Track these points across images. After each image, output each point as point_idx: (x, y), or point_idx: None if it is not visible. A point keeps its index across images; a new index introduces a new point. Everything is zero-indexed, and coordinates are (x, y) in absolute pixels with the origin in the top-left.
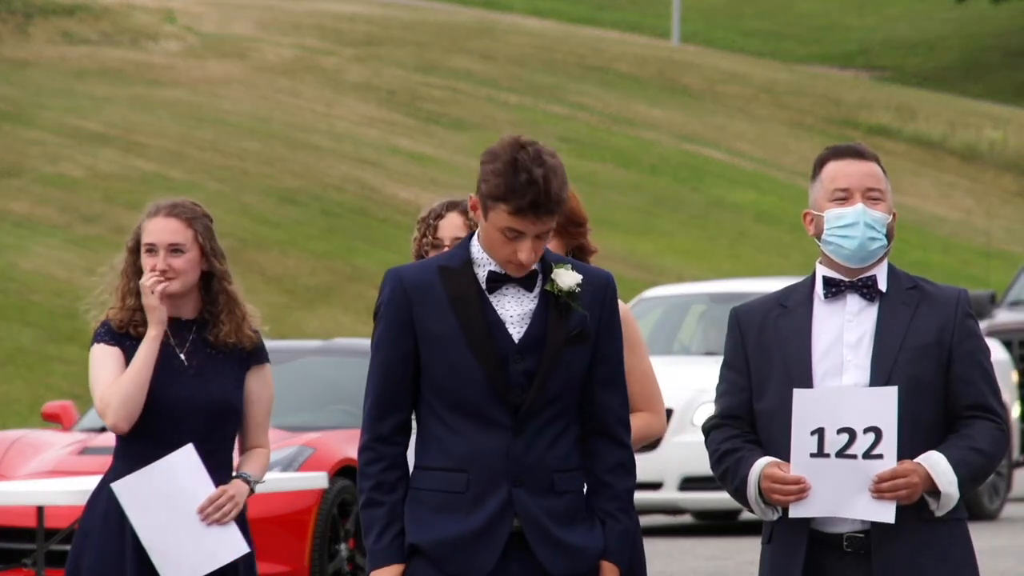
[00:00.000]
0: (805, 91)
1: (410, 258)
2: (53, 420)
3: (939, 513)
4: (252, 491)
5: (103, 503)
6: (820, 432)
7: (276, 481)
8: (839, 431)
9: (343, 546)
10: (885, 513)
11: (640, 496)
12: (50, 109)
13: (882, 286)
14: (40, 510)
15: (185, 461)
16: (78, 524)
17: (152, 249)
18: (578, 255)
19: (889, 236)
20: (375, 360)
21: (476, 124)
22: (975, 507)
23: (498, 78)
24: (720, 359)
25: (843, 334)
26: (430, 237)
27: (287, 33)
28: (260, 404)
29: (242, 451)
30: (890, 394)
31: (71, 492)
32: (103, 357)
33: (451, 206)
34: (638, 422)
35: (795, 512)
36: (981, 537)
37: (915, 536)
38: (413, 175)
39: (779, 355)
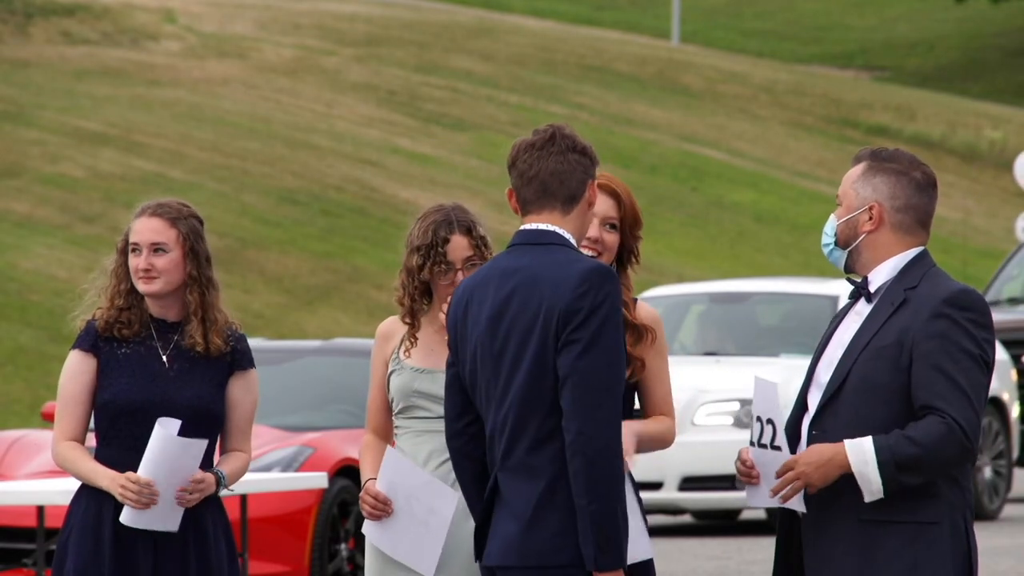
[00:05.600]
0: (805, 91)
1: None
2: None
3: (868, 499)
4: (219, 488)
5: (84, 503)
6: (759, 420)
7: (276, 481)
8: (757, 419)
9: (343, 546)
10: (796, 503)
11: (641, 496)
12: (50, 109)
13: (873, 287)
14: (40, 510)
15: (197, 448)
16: (64, 524)
17: (136, 248)
18: (626, 259)
19: (840, 238)
20: (620, 357)
21: (476, 124)
22: (975, 507)
23: (498, 78)
24: (719, 359)
25: (843, 333)
26: (441, 266)
27: (287, 33)
28: (242, 410)
29: (221, 454)
30: (769, 386)
31: (71, 492)
32: (73, 372)
33: (451, 229)
34: (661, 427)
35: (749, 500)
36: (981, 537)
37: (844, 534)
38: (413, 175)
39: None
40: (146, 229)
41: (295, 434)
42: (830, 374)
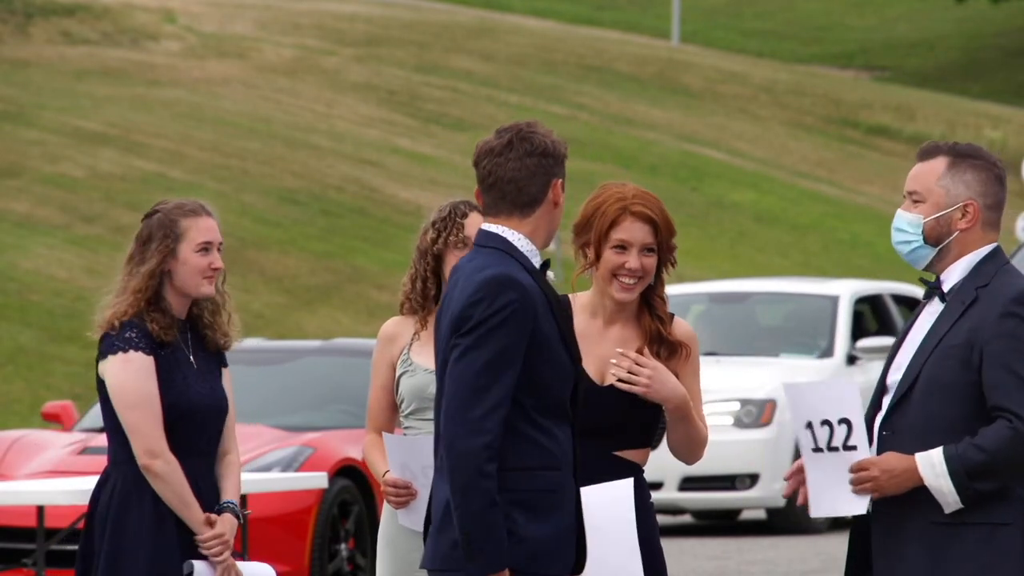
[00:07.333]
0: (805, 91)
1: (410, 258)
2: (53, 420)
3: (947, 510)
4: (240, 522)
5: (110, 491)
6: (810, 426)
7: (276, 481)
8: (822, 423)
9: (343, 546)
10: (860, 506)
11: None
12: (50, 109)
13: (947, 286)
14: (40, 510)
15: None
16: (84, 522)
17: (207, 248)
18: (661, 264)
19: (928, 236)
20: (502, 365)
21: (476, 124)
22: None
23: (498, 78)
24: (719, 359)
25: (916, 334)
26: (456, 234)
27: (287, 33)
28: (231, 408)
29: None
30: (847, 386)
31: (71, 492)
32: (146, 372)
33: (471, 206)
34: (701, 428)
35: (812, 511)
36: None
37: (916, 537)
38: (413, 175)
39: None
40: (211, 228)
41: (295, 434)
42: (900, 374)
